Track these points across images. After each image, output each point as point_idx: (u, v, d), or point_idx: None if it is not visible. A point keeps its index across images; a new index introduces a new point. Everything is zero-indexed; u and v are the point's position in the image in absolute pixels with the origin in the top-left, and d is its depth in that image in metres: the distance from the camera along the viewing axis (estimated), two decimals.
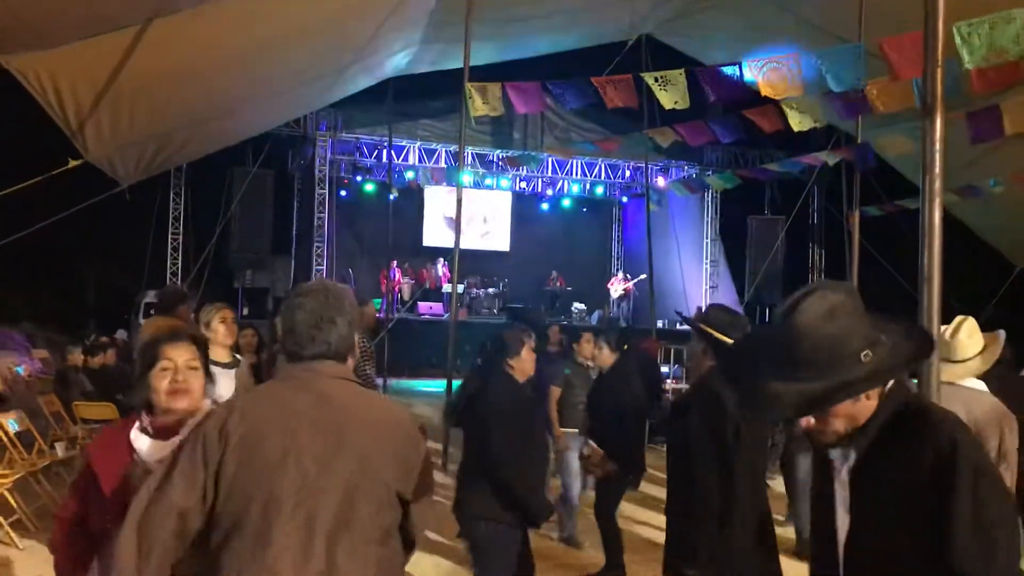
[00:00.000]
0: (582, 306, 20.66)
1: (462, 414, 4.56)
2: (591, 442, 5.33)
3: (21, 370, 12.15)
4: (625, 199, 23.25)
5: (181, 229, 17.46)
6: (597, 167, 21.15)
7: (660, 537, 3.75)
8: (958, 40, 5.96)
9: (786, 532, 5.90)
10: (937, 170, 2.65)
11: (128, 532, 2.04)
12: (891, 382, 1.83)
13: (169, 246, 17.35)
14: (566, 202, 22.42)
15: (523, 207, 22.20)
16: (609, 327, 17.00)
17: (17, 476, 6.81)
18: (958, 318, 3.39)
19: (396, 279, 18.89)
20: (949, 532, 1.66)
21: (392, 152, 18.29)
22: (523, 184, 21.74)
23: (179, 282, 16.67)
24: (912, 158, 10.20)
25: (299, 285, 2.44)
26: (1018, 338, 4.41)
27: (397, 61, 14.00)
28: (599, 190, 22.09)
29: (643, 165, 19.64)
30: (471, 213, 20.08)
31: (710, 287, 20.66)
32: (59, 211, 9.90)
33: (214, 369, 3.11)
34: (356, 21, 10.26)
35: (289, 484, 2.05)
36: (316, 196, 18.36)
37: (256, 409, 2.14)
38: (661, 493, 3.70)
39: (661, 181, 20.15)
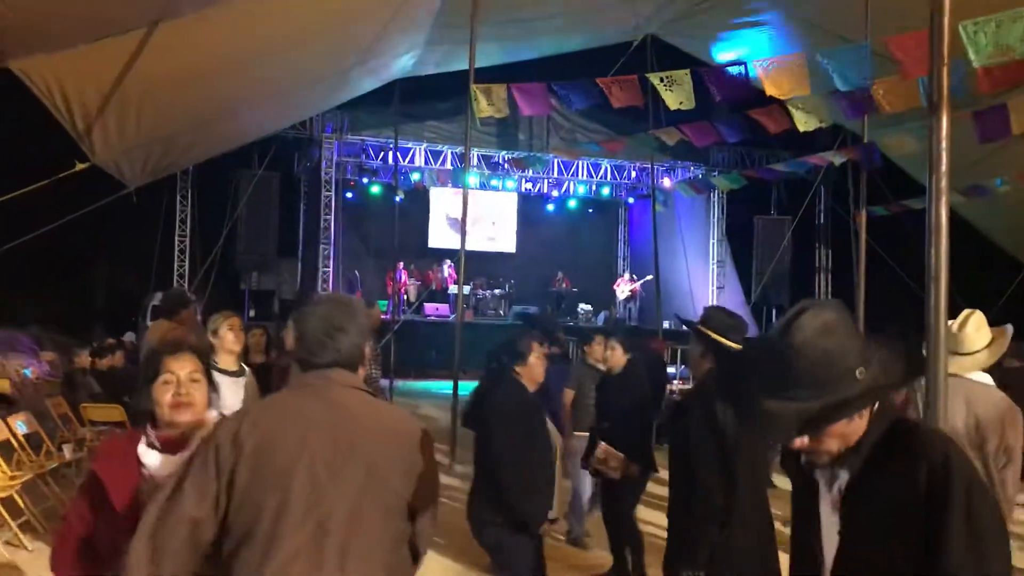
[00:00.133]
0: (588, 307, 20.66)
1: (473, 418, 4.57)
2: (603, 443, 5.33)
3: (29, 372, 12.20)
4: (631, 200, 23.24)
5: (188, 231, 17.50)
6: (603, 168, 21.14)
7: (663, 536, 3.76)
8: (964, 39, 5.94)
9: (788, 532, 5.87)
10: (943, 168, 2.65)
11: (140, 544, 2.04)
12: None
13: (176, 248, 17.39)
14: (572, 203, 22.41)
15: (529, 208, 22.20)
16: (618, 328, 17.00)
17: (25, 478, 6.83)
18: (965, 311, 3.39)
19: (402, 281, 18.91)
20: (942, 545, 1.66)
21: (398, 154, 18.31)
22: (529, 185, 21.74)
23: (186, 284, 16.72)
24: (918, 157, 10.17)
25: (312, 295, 2.47)
26: None
27: (402, 63, 14.02)
28: (605, 191, 22.08)
29: (649, 166, 19.63)
30: (477, 214, 20.08)
31: (717, 288, 20.62)
32: (66, 214, 9.94)
33: (220, 378, 3.11)
34: (361, 23, 10.28)
35: (300, 491, 2.06)
36: (322, 198, 18.38)
37: (268, 417, 2.16)
38: (666, 492, 3.70)
39: (667, 182, 20.13)
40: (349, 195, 19.90)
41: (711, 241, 21.00)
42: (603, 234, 23.90)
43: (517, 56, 14.57)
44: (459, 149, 18.11)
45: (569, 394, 6.68)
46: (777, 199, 20.68)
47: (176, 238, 17.41)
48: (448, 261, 19.73)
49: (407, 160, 19.22)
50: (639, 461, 5.24)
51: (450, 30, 11.59)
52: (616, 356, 5.71)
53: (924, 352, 3.01)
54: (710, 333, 3.88)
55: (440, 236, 21.11)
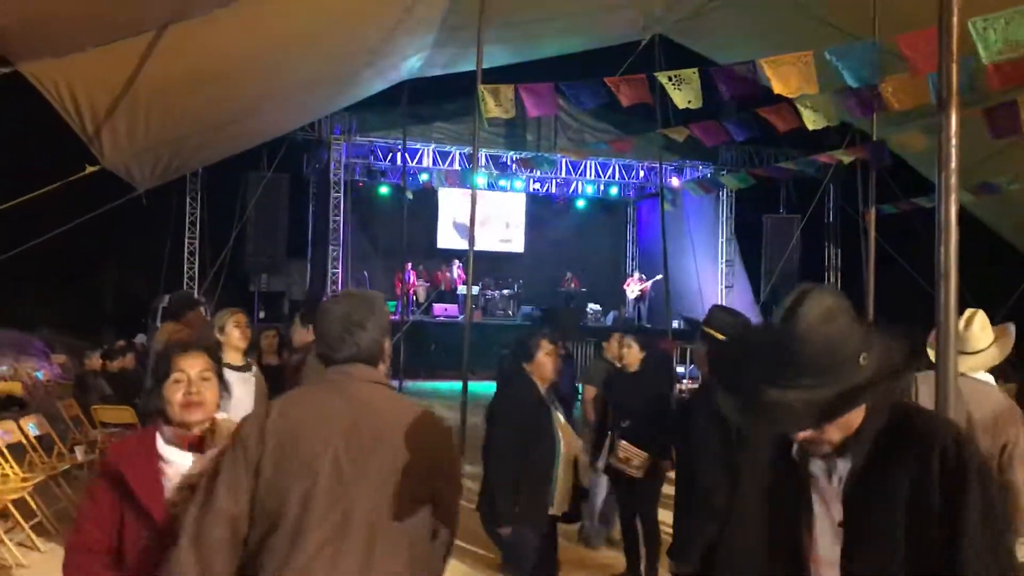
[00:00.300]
0: (597, 307, 20.65)
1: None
2: (624, 442, 5.32)
3: (40, 375, 12.26)
4: (639, 200, 23.22)
5: (197, 233, 17.56)
6: (611, 168, 21.13)
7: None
8: (974, 35, 5.92)
9: None
10: (953, 165, 2.64)
11: (185, 548, 2.07)
12: None
13: (186, 250, 17.45)
14: (580, 203, 22.41)
15: (537, 208, 22.20)
16: (626, 327, 17.00)
17: (37, 480, 6.86)
18: (969, 310, 3.38)
19: (411, 281, 18.93)
20: (961, 527, 1.62)
21: (406, 155, 18.35)
22: (537, 185, 21.75)
23: (196, 286, 16.77)
24: (927, 155, 10.14)
25: (320, 296, 2.50)
26: None
27: (410, 64, 14.04)
28: (613, 191, 22.08)
29: (657, 165, 19.62)
30: (485, 215, 20.10)
31: (726, 287, 20.59)
32: (76, 217, 9.98)
33: (228, 373, 3.12)
34: (369, 25, 10.30)
35: (324, 484, 2.09)
36: (331, 199, 18.42)
37: (293, 410, 2.19)
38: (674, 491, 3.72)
39: (675, 181, 20.12)
40: (358, 196, 19.92)
41: (720, 240, 20.97)
42: (611, 234, 23.88)
43: (525, 56, 14.57)
44: (467, 150, 18.13)
45: (590, 391, 6.69)
46: (786, 198, 20.64)
47: (186, 240, 17.47)
48: (457, 262, 19.75)
49: (415, 161, 19.25)
50: (662, 459, 5.24)
51: (458, 31, 11.61)
52: (632, 354, 5.70)
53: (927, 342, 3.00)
54: (714, 332, 3.89)
55: (448, 237, 21.14)
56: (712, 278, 20.63)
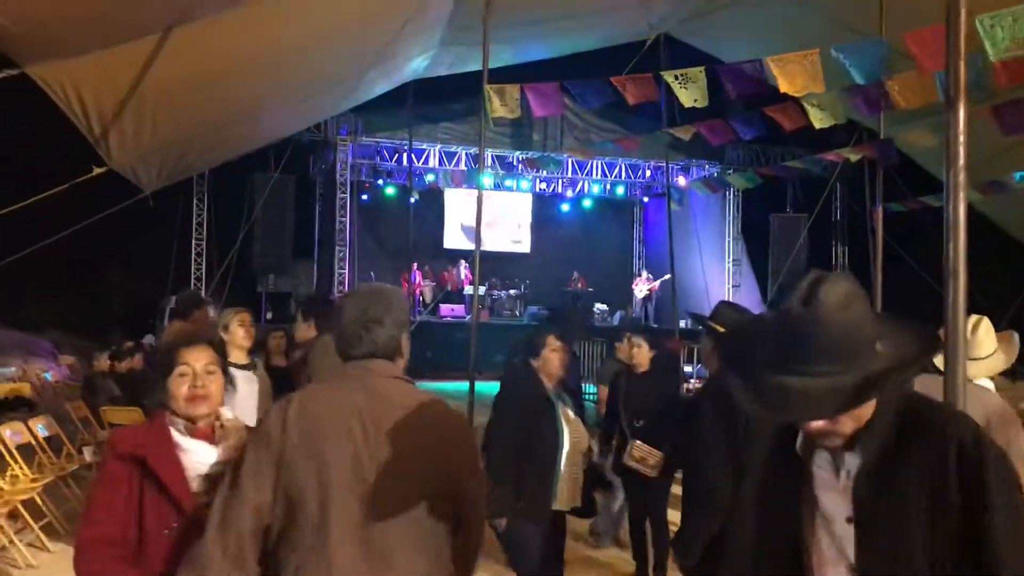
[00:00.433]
0: (604, 307, 20.63)
1: None
2: (638, 441, 5.31)
3: (49, 376, 12.30)
4: (646, 199, 23.19)
5: (204, 234, 17.60)
6: (617, 167, 21.12)
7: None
8: (981, 33, 5.90)
9: None
10: (961, 163, 2.62)
11: (212, 536, 2.09)
12: None
13: (193, 251, 17.49)
14: (587, 203, 22.39)
15: (544, 208, 22.20)
16: (634, 327, 16.99)
17: (46, 480, 6.89)
18: (974, 317, 3.38)
19: (417, 282, 18.95)
20: (985, 521, 1.57)
21: (412, 155, 18.38)
22: (543, 185, 21.74)
23: (203, 287, 16.80)
24: (935, 153, 10.10)
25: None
26: None
27: (416, 65, 14.05)
28: (620, 190, 22.06)
29: (663, 165, 19.58)
30: (492, 216, 20.11)
31: (733, 286, 20.56)
32: (84, 218, 10.01)
33: (234, 372, 3.12)
34: (375, 26, 10.31)
35: (345, 478, 2.12)
36: (337, 200, 18.46)
37: (314, 404, 2.21)
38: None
39: (682, 180, 20.10)
40: (364, 197, 19.96)
41: (727, 239, 20.94)
42: (618, 233, 23.86)
43: (530, 56, 14.58)
44: (473, 150, 18.15)
45: (603, 390, 6.68)
46: (793, 196, 20.59)
47: (193, 241, 17.52)
48: (463, 262, 19.77)
49: (421, 161, 19.27)
50: (673, 457, 5.23)
51: (463, 31, 11.61)
52: (642, 353, 5.68)
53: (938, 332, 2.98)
54: (719, 329, 3.89)
55: (454, 237, 21.15)
56: (719, 277, 20.60)
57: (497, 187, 20.54)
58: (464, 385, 7.36)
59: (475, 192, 9.64)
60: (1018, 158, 10.62)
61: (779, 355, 1.63)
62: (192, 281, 17.26)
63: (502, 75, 9.58)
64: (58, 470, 7.39)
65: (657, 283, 20.23)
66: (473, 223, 8.55)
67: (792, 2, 10.66)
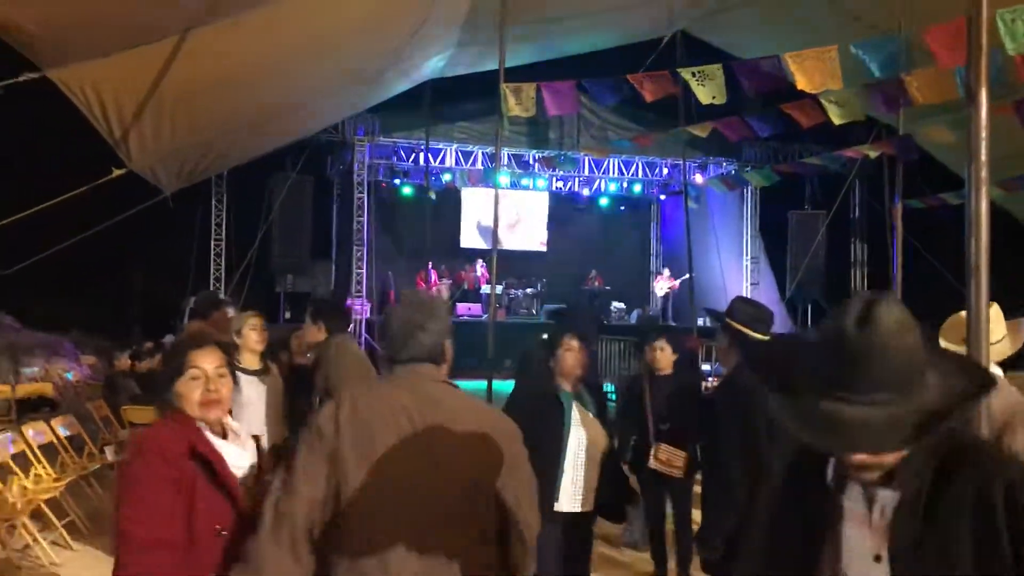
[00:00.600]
0: (621, 305, 20.58)
1: None
2: (663, 444, 5.29)
3: (71, 376, 12.41)
4: (663, 197, 23.12)
5: (224, 235, 17.69)
6: (634, 165, 21.05)
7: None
8: (1001, 28, 5.86)
9: None
10: (983, 158, 2.61)
11: (267, 533, 2.13)
12: None
13: (212, 252, 17.58)
14: (603, 201, 22.33)
15: (560, 207, 22.16)
16: (652, 327, 16.94)
17: (69, 480, 6.96)
18: None
19: (433, 281, 18.98)
20: None
21: (429, 155, 18.40)
22: (560, 184, 21.71)
23: (222, 287, 16.89)
24: (955, 149, 10.03)
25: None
26: None
27: (433, 64, 14.07)
28: (637, 188, 21.99)
29: (680, 162, 19.52)
30: (508, 214, 20.13)
31: (751, 284, 20.46)
32: (104, 220, 10.09)
33: (242, 377, 3.13)
34: (392, 26, 10.33)
35: (395, 476, 2.17)
36: (355, 200, 18.50)
37: (365, 404, 2.26)
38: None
39: (699, 178, 20.02)
40: (381, 197, 19.99)
41: (744, 237, 20.85)
42: (635, 231, 23.79)
43: (547, 55, 14.57)
44: (490, 149, 18.14)
45: None
46: (811, 193, 20.48)
47: (212, 242, 17.61)
48: (480, 260, 19.78)
49: (438, 161, 19.30)
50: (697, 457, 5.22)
51: (480, 31, 11.62)
52: (665, 356, 5.65)
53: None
54: (735, 325, 3.88)
55: (471, 236, 21.17)
56: (737, 275, 20.52)
57: (514, 186, 20.53)
58: (481, 383, 7.36)
59: (492, 191, 9.64)
60: None
61: (830, 380, 1.52)
62: (211, 281, 17.35)
63: (519, 74, 9.59)
64: (80, 469, 7.46)
65: (677, 282, 20.13)
66: (490, 222, 8.56)
67: None
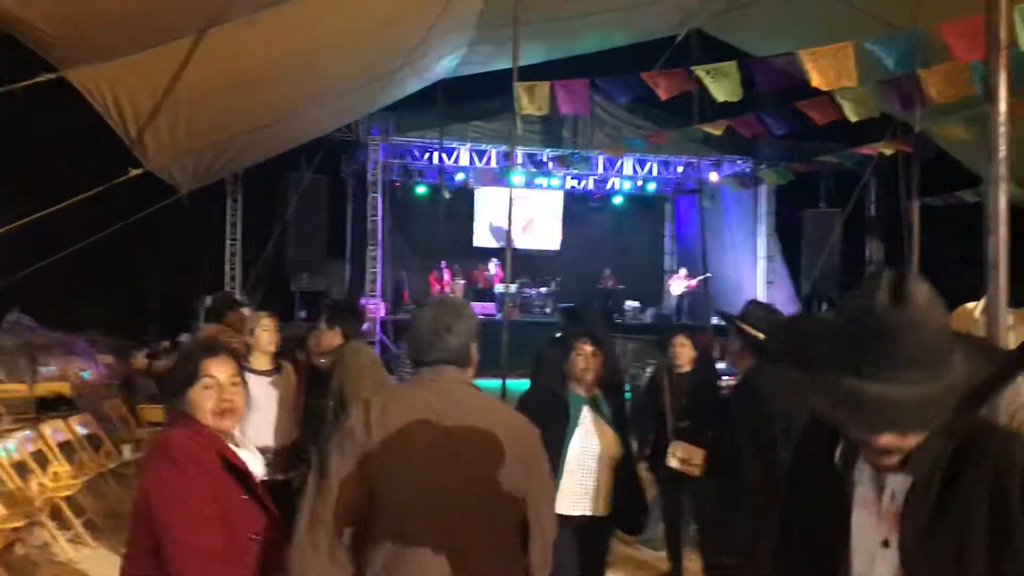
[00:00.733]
0: (636, 304, 20.51)
1: None
2: (682, 442, 5.27)
3: (88, 375, 12.48)
4: (677, 196, 23.04)
5: (239, 235, 17.75)
6: (648, 164, 21.00)
7: None
8: (1018, 23, 5.81)
9: None
10: (1001, 155, 2.60)
11: (305, 539, 2.15)
12: None
13: (228, 251, 17.65)
14: (617, 199, 22.26)
15: (574, 205, 22.11)
16: (668, 325, 16.89)
17: (87, 478, 7.01)
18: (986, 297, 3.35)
19: (446, 280, 18.99)
20: None
21: (443, 154, 18.41)
22: (574, 183, 21.67)
23: (237, 286, 16.96)
24: (972, 146, 9.97)
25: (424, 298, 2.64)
26: None
27: (447, 63, 14.08)
28: (651, 187, 21.92)
29: (695, 161, 19.45)
30: (522, 213, 20.09)
31: (767, 282, 20.35)
32: (120, 219, 10.14)
33: (251, 378, 3.13)
34: (406, 25, 10.34)
35: (425, 478, 2.20)
36: (369, 200, 18.53)
37: (394, 407, 2.29)
38: None
39: (714, 176, 19.93)
40: (395, 196, 20.01)
41: (759, 235, 20.74)
42: (650, 230, 23.69)
43: (561, 53, 14.55)
44: (504, 148, 18.14)
45: None
46: (826, 191, 20.36)
47: (227, 241, 17.67)
48: (494, 260, 19.77)
49: (452, 160, 19.30)
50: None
51: (493, 30, 11.62)
52: (686, 353, 5.64)
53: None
54: (748, 328, 3.87)
55: (485, 235, 21.16)
56: (751, 274, 20.43)
57: (528, 185, 20.52)
58: (495, 383, 7.36)
59: (505, 190, 9.65)
60: None
61: (857, 357, 1.46)
62: (227, 281, 17.43)
63: (532, 72, 9.59)
64: (98, 467, 7.50)
65: (695, 281, 20.03)
66: (503, 222, 8.57)
67: None
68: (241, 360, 2.71)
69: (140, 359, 10.99)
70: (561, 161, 16.85)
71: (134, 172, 8.48)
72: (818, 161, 14.45)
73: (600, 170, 20.85)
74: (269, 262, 15.71)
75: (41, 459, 6.91)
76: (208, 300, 15.25)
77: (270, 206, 17.24)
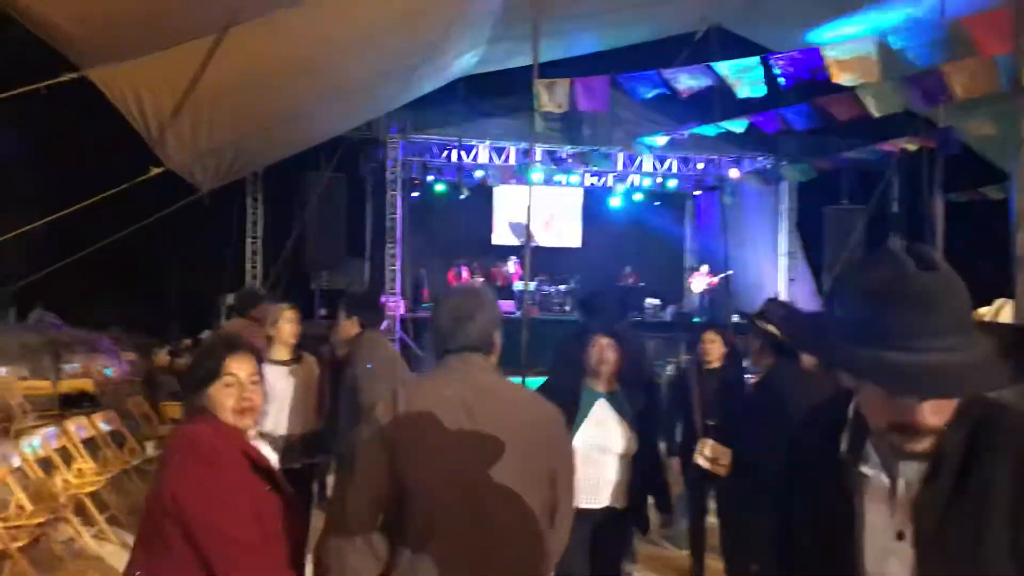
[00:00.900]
0: (656, 301, 20.41)
1: None
2: (710, 440, 5.24)
3: (110, 372, 12.57)
4: (698, 192, 22.91)
5: (259, 233, 17.83)
6: (668, 161, 20.89)
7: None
8: None
9: None
10: None
11: (339, 533, 2.17)
12: None
13: (248, 249, 17.73)
14: (637, 196, 22.16)
15: (594, 203, 22.04)
16: (686, 322, 16.82)
17: (111, 474, 7.06)
18: (998, 300, 3.30)
19: (464, 278, 18.98)
20: None
21: (462, 152, 18.40)
22: (593, 180, 21.60)
23: (258, 284, 17.04)
24: (997, 142, 9.86)
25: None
26: None
27: (466, 61, 14.07)
28: (671, 184, 21.80)
29: (715, 158, 19.33)
30: (541, 210, 20.07)
31: (788, 280, 20.20)
32: (142, 218, 10.21)
33: (271, 369, 3.14)
34: (426, 22, 10.34)
35: (452, 466, 2.20)
36: (387, 198, 18.56)
37: (420, 397, 2.29)
38: None
39: (735, 173, 19.81)
40: (414, 194, 20.03)
41: (780, 232, 20.58)
42: (670, 227, 23.58)
43: (580, 50, 14.51)
44: (523, 145, 18.11)
45: None
46: (849, 188, 20.17)
47: (248, 239, 17.75)
48: (513, 257, 19.74)
49: (471, 158, 19.29)
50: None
51: (512, 26, 11.60)
52: (716, 349, 5.58)
53: None
54: (768, 327, 3.84)
55: (504, 233, 21.15)
56: (772, 271, 20.29)
57: (547, 182, 20.47)
58: (515, 380, 7.35)
59: (525, 188, 9.63)
60: None
61: (896, 330, 1.39)
62: (247, 278, 17.51)
63: (551, 69, 9.57)
64: (121, 464, 7.56)
65: (717, 279, 19.92)
66: (522, 219, 8.56)
67: None
68: (262, 355, 2.70)
69: (162, 356, 11.11)
70: (581, 158, 16.77)
71: (155, 171, 8.53)
72: (841, 157, 14.32)
73: (619, 167, 20.77)
74: (289, 260, 15.77)
75: (65, 455, 6.97)
76: (230, 297, 15.34)
77: (289, 205, 17.30)
